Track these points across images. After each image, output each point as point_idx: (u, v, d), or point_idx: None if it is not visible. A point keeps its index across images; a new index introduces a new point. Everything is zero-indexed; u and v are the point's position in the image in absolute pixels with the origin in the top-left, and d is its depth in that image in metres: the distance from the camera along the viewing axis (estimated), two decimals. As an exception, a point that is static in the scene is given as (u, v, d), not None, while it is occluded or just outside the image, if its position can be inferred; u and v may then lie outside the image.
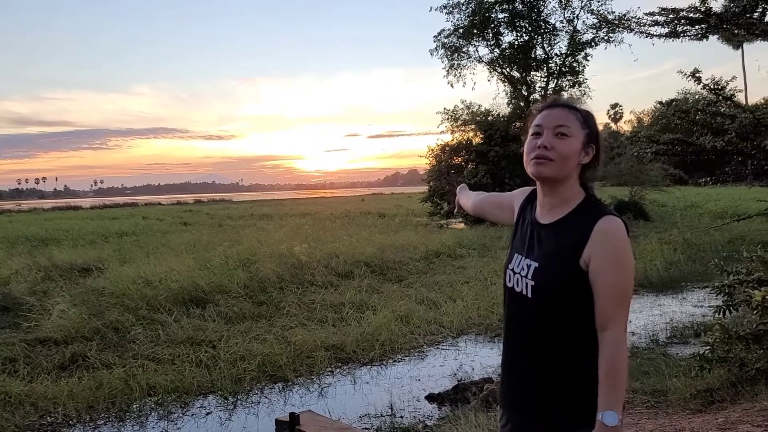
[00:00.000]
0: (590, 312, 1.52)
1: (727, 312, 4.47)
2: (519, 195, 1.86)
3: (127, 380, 5.63)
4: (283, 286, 9.77)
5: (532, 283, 1.58)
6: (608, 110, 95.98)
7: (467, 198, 2.22)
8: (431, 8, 25.18)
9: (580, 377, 1.52)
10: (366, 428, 4.88)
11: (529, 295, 1.59)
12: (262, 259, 11.35)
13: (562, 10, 24.81)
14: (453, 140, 25.89)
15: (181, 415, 5.25)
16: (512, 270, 1.68)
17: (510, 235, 1.81)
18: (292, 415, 2.66)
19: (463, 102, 26.78)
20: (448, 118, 26.24)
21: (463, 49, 25.94)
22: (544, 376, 1.57)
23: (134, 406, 5.34)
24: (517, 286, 1.64)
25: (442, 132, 28.37)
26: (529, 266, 1.60)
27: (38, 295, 9.43)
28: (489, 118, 25.35)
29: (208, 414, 5.27)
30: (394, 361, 6.63)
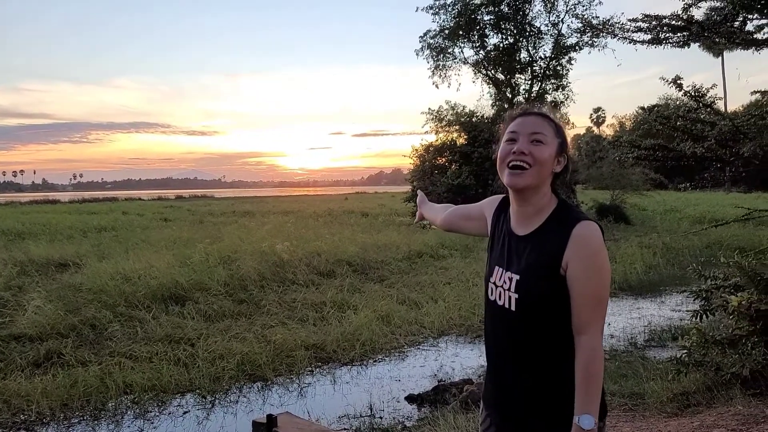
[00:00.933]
0: (569, 318, 1.53)
1: (704, 316, 4.53)
2: (489, 204, 1.84)
3: (103, 378, 5.55)
4: (264, 285, 9.70)
5: (516, 296, 1.57)
6: (591, 114, 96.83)
7: (434, 212, 2.16)
8: (417, 8, 25.21)
9: (561, 383, 1.53)
10: (345, 429, 4.86)
11: (513, 308, 1.58)
12: (243, 256, 11.27)
13: (548, 14, 24.96)
14: (437, 141, 25.95)
15: (157, 413, 5.18)
16: (494, 283, 1.66)
17: (487, 246, 1.80)
18: (269, 416, 2.63)
19: (447, 103, 26.87)
20: (432, 119, 26.29)
21: (449, 50, 25.99)
22: (527, 382, 1.58)
23: (110, 405, 5.27)
24: (500, 299, 1.63)
25: (426, 132, 28.36)
26: (510, 279, 1.59)
27: (13, 290, 9.25)
28: (473, 120, 25.43)
29: (185, 413, 5.22)
30: (375, 362, 6.62)
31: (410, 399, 5.49)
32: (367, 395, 5.54)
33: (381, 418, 5.07)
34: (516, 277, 1.58)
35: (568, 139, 1.68)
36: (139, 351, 6.38)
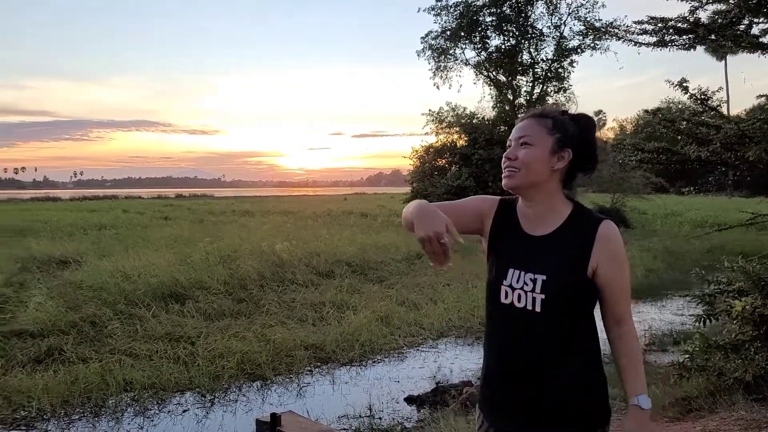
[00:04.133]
0: (591, 316, 1.60)
1: (707, 321, 4.52)
2: (486, 205, 1.77)
3: (104, 375, 5.54)
4: (263, 284, 9.69)
5: (542, 296, 1.56)
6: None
7: None
8: (419, 9, 25.23)
9: (591, 378, 1.60)
10: (345, 429, 4.85)
11: (538, 308, 1.56)
12: (243, 255, 11.26)
13: (550, 16, 24.98)
14: (437, 142, 25.96)
15: (157, 411, 5.17)
16: (509, 286, 1.62)
17: (487, 249, 1.74)
18: (273, 415, 2.62)
19: (448, 104, 26.87)
20: (432, 120, 26.30)
21: (450, 52, 25.99)
22: (554, 385, 1.57)
23: (110, 402, 5.26)
24: (519, 301, 1.60)
25: (426, 133, 28.31)
26: (534, 280, 1.57)
27: (14, 286, 9.25)
28: (474, 121, 25.44)
29: (185, 411, 5.21)
30: (374, 362, 6.61)
31: (409, 400, 5.48)
32: (367, 396, 5.53)
33: (380, 418, 5.06)
34: (542, 277, 1.56)
35: (571, 131, 1.63)
36: (139, 349, 6.37)
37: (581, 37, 24.42)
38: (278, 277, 10.17)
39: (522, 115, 1.72)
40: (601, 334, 1.63)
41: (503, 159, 1.67)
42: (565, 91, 25.86)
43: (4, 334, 6.83)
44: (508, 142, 1.69)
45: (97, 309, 7.72)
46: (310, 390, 5.78)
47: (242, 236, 14.87)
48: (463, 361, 6.64)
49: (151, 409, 5.19)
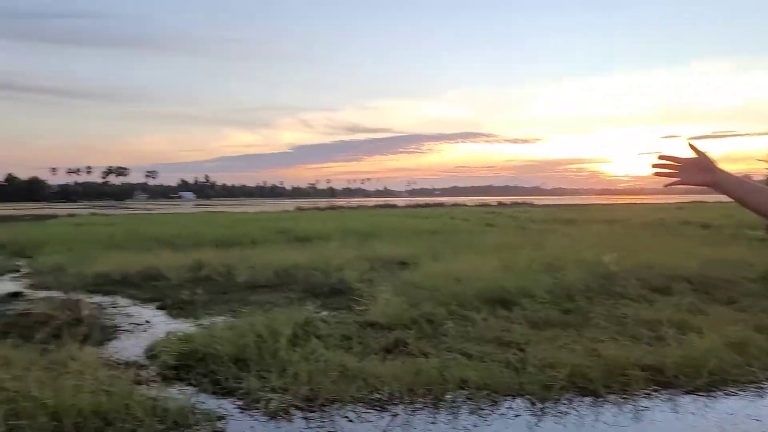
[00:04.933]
0: None
1: None
2: None
3: (442, 371, 5.96)
4: (590, 296, 9.33)
5: None
6: None
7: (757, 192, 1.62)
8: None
9: None
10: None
11: None
12: (566, 265, 11.04)
13: None
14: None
15: (490, 412, 5.35)
16: None
17: None
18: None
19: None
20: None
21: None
22: None
23: (447, 396, 5.62)
24: None
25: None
26: None
27: (366, 283, 10.70)
28: None
29: (516, 416, 5.28)
30: (726, 394, 5.77)
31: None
32: (718, 430, 4.86)
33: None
34: None
35: None
36: (472, 349, 6.70)
37: None
38: (605, 290, 9.69)
39: None
40: None
41: None
42: None
43: (360, 324, 7.93)
44: None
45: (433, 308, 8.42)
46: (648, 414, 5.32)
47: (565, 245, 14.63)
48: None
49: (484, 409, 5.40)
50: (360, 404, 5.46)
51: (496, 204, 74.93)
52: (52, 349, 6.60)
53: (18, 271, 15.21)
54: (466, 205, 69.75)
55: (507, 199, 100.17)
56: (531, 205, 70.35)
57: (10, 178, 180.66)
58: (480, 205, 69.47)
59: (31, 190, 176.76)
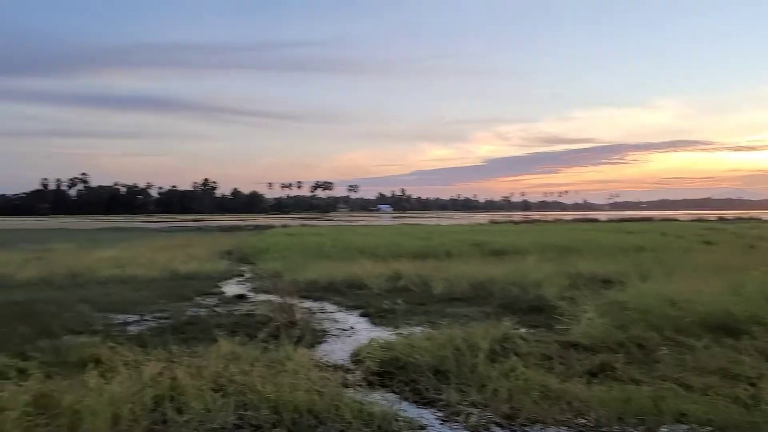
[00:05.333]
0: None
1: None
2: None
3: (656, 401, 5.44)
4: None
5: None
6: None
7: None
8: None
9: None
10: None
11: None
12: (810, 290, 9.46)
13: None
14: None
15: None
16: None
17: None
18: None
19: None
20: None
21: None
22: None
23: (663, 430, 5.11)
24: None
25: None
26: None
27: (566, 300, 10.21)
28: None
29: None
30: None
31: None
32: None
33: None
34: None
35: None
36: (691, 380, 6.04)
37: None
38: None
39: None
40: None
41: None
42: None
43: (561, 344, 7.58)
44: None
45: (643, 332, 7.77)
46: None
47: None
48: None
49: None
50: (564, 427, 5.19)
51: (715, 219, 67.36)
52: (271, 348, 7.28)
53: (242, 275, 17.18)
54: (678, 220, 63.68)
55: (729, 213, 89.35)
56: (760, 220, 61.91)
57: (235, 192, 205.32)
58: (696, 220, 63.04)
59: (251, 203, 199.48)
